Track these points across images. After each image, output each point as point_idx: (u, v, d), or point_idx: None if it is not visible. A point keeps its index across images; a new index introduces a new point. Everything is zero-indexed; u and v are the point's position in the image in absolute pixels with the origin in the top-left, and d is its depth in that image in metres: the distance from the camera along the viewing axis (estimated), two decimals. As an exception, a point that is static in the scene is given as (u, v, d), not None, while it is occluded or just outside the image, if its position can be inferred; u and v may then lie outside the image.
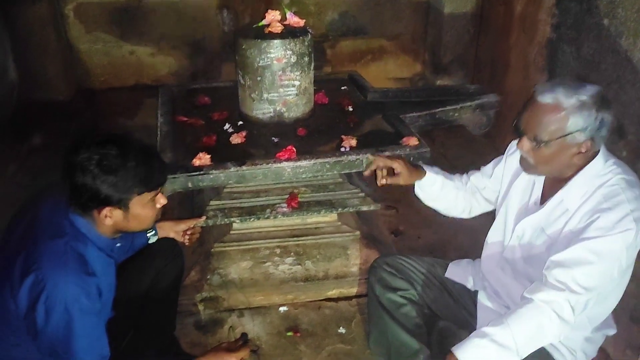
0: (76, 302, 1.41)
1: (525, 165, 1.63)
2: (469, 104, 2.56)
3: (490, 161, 1.92)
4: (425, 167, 1.94)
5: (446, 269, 2.01)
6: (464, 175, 1.98)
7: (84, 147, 1.44)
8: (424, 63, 4.42)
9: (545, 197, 1.67)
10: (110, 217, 1.51)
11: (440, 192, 1.92)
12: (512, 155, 1.81)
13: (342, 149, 2.15)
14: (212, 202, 2.28)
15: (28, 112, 3.56)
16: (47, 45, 3.69)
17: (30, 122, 3.54)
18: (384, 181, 1.89)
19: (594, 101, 1.46)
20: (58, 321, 1.40)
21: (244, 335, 1.64)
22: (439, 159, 3.57)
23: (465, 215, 2.00)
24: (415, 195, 1.97)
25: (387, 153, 2.10)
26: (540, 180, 1.70)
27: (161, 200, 1.61)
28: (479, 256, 1.90)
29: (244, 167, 2.02)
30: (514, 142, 1.73)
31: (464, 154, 3.65)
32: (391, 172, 1.89)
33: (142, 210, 1.54)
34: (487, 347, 1.46)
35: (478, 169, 1.96)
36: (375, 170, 1.90)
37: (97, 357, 1.48)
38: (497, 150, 1.73)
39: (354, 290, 2.43)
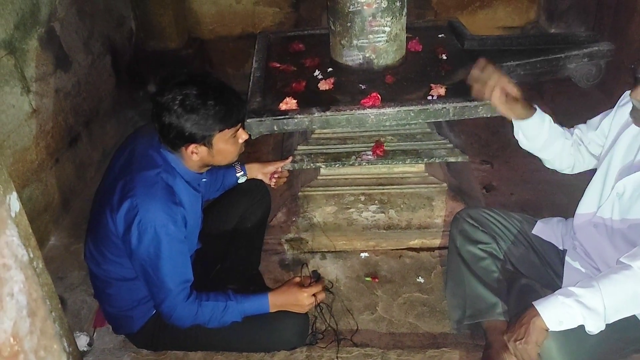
0: (164, 227, 1.56)
1: (637, 116, 1.51)
2: (575, 53, 2.34)
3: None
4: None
5: (534, 225, 1.93)
6: (570, 129, 1.85)
7: (167, 89, 1.56)
8: (538, 9, 4.07)
9: None
10: (196, 154, 1.64)
11: (547, 136, 1.76)
12: (624, 107, 1.66)
13: (429, 97, 2.10)
14: (299, 147, 2.35)
15: (143, 60, 3.82)
16: (162, -6, 3.87)
17: (145, 69, 3.81)
18: (495, 100, 1.69)
19: None
20: (149, 243, 1.57)
21: (314, 272, 1.70)
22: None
23: (568, 171, 1.89)
24: (515, 144, 1.84)
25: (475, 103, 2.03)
26: None
27: (243, 136, 1.72)
28: (573, 216, 1.80)
29: (327, 113, 2.05)
30: (627, 93, 1.59)
31: (575, 110, 3.38)
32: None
33: (225, 146, 1.66)
34: (572, 307, 1.40)
35: (585, 122, 1.84)
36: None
37: (180, 278, 1.64)
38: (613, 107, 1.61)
39: (436, 242, 2.41)
